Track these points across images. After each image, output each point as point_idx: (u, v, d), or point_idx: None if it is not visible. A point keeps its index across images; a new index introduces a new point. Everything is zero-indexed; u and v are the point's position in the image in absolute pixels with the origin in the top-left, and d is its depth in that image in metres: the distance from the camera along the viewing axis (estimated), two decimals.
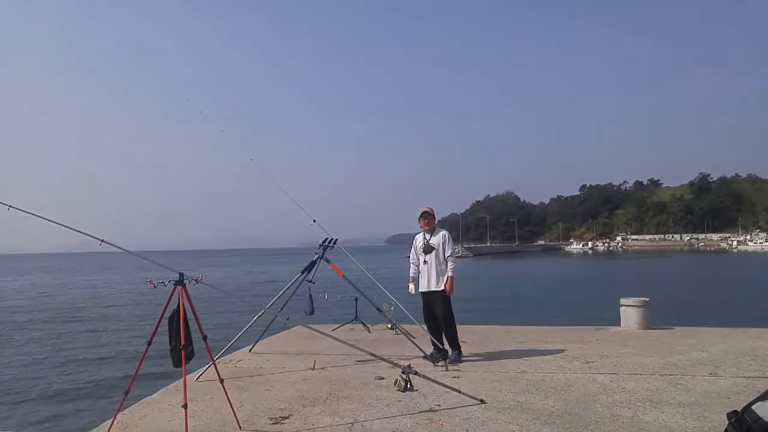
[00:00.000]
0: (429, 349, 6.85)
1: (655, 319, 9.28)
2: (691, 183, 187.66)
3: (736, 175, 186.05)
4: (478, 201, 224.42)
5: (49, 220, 4.43)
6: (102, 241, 4.42)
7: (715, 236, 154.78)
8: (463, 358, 6.81)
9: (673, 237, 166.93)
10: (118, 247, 4.72)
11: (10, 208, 4.07)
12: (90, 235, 4.47)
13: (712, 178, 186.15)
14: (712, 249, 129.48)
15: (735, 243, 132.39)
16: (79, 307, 29.11)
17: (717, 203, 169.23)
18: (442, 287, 6.66)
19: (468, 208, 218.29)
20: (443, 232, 6.90)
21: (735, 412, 1.91)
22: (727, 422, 1.90)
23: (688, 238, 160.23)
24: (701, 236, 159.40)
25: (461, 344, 6.90)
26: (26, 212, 4.19)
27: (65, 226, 4.53)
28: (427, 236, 6.88)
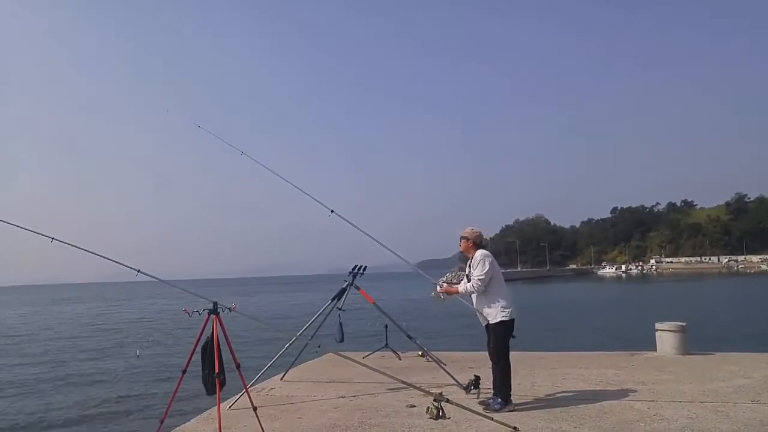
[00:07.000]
0: (460, 377, 6.79)
1: (693, 344, 9.02)
2: (728, 203, 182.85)
3: None
4: (508, 225, 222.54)
5: (89, 252, 4.59)
6: (138, 271, 4.56)
7: (755, 258, 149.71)
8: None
9: (710, 259, 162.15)
10: (153, 277, 4.86)
11: (53, 241, 4.25)
12: (126, 266, 4.62)
13: (749, 198, 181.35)
14: (752, 271, 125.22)
15: None
16: (113, 336, 29.60)
17: (755, 224, 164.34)
18: (489, 319, 5.82)
19: (497, 232, 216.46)
20: (476, 253, 5.86)
21: None
22: None
23: (727, 260, 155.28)
24: (740, 258, 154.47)
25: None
26: (69, 244, 4.36)
27: (103, 257, 4.69)
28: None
